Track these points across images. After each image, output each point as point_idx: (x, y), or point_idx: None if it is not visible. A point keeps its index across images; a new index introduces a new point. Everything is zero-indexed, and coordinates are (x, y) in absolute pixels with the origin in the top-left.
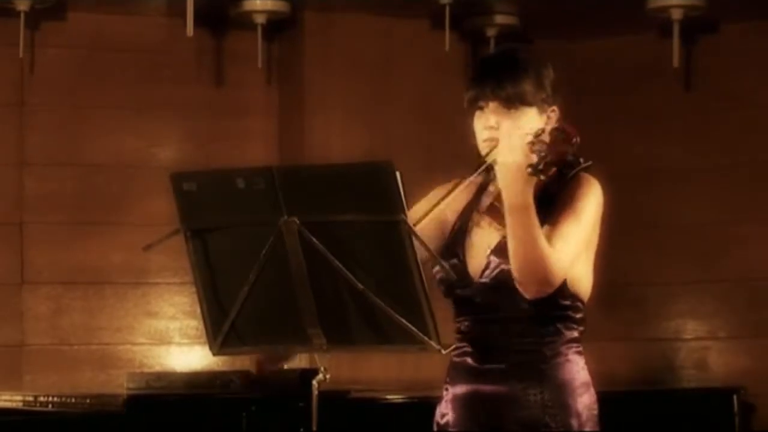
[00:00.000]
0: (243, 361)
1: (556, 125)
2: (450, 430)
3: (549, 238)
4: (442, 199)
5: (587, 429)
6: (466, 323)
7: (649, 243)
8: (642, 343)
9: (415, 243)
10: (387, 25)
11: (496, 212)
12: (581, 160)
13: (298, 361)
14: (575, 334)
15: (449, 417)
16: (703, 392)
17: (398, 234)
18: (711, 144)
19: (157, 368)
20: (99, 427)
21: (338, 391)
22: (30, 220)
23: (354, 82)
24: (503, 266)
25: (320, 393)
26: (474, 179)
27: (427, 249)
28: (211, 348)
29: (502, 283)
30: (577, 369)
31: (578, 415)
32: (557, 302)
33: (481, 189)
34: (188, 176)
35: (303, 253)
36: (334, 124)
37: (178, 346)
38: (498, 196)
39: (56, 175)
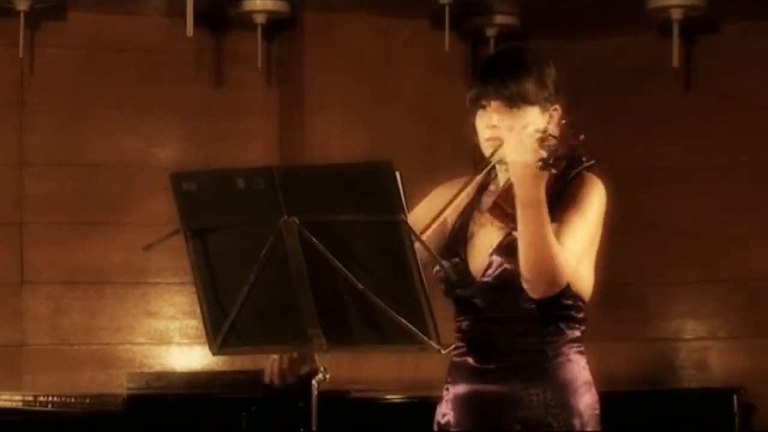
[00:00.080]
0: (243, 361)
1: (565, 120)
2: (451, 430)
3: (557, 236)
4: (449, 204)
5: (589, 429)
6: (467, 323)
7: (649, 243)
8: (642, 343)
9: (415, 243)
10: (387, 25)
11: (499, 211)
12: (584, 158)
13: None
14: (577, 333)
15: (450, 417)
16: (703, 392)
17: (398, 234)
18: (711, 144)
19: (157, 368)
20: (99, 427)
21: (338, 391)
22: (30, 220)
23: (354, 82)
24: (506, 265)
25: (320, 393)
26: (480, 179)
27: (427, 249)
28: (210, 348)
29: (505, 282)
30: (578, 369)
31: (580, 415)
32: (560, 302)
33: (482, 188)
34: (188, 176)
35: (303, 253)
36: (334, 124)
37: (178, 346)
38: (501, 195)
39: (56, 175)
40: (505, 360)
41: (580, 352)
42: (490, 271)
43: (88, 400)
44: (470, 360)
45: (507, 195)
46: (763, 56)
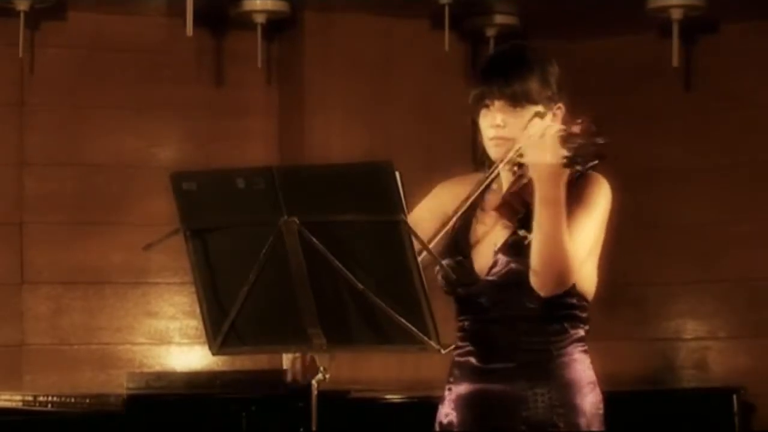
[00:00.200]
0: (243, 361)
1: (587, 117)
2: (454, 430)
3: None
4: (456, 210)
5: (594, 428)
6: (470, 322)
7: (649, 243)
8: (642, 343)
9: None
10: (387, 25)
11: (507, 210)
12: (578, 159)
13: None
14: (581, 333)
15: (453, 417)
16: (703, 392)
17: (398, 234)
18: (711, 144)
19: (157, 368)
20: (99, 427)
21: (338, 391)
22: (30, 220)
23: (354, 82)
24: (512, 265)
25: (320, 393)
26: (478, 177)
27: (427, 249)
28: (210, 348)
29: (511, 281)
30: (583, 368)
31: (585, 415)
32: (565, 301)
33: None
34: (188, 176)
35: (303, 253)
36: (334, 124)
37: (178, 346)
38: (511, 194)
39: (56, 175)
40: (509, 359)
41: (585, 352)
42: (495, 270)
43: (88, 400)
44: (473, 359)
45: (518, 194)
46: (763, 56)
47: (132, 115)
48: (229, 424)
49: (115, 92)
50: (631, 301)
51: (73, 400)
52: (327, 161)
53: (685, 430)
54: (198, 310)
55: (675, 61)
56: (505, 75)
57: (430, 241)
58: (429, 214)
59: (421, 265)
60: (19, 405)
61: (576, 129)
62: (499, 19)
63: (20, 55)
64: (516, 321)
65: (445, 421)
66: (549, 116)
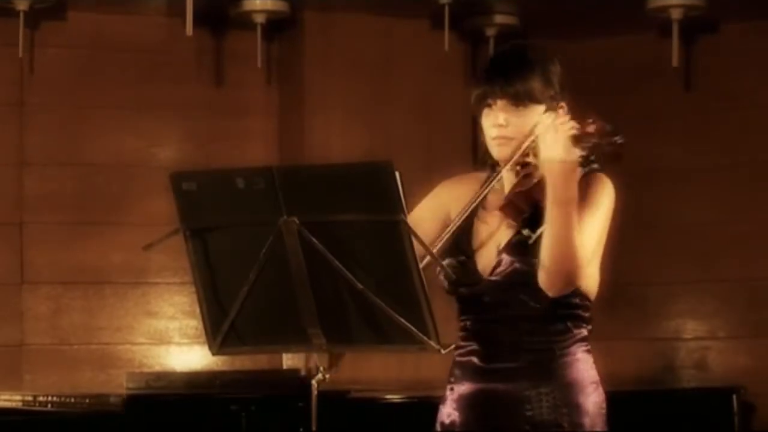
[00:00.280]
0: (243, 361)
1: (598, 119)
2: (457, 430)
3: None
4: (463, 211)
5: (598, 428)
6: (472, 322)
7: (649, 243)
8: (642, 342)
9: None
10: (387, 25)
11: (512, 210)
12: (592, 158)
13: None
14: (584, 332)
15: (456, 417)
16: (703, 392)
17: (398, 234)
18: (711, 144)
19: (157, 368)
20: (99, 427)
21: (338, 391)
22: (30, 220)
23: (354, 82)
24: (516, 265)
25: (320, 393)
26: (482, 176)
27: (427, 249)
28: (210, 348)
29: (515, 281)
30: (586, 368)
31: (589, 414)
32: (568, 300)
33: (486, 185)
34: (188, 176)
35: (303, 253)
36: (334, 124)
37: (177, 345)
38: (517, 194)
39: (56, 175)
40: (512, 359)
41: (588, 351)
42: (499, 270)
43: (87, 400)
44: (475, 359)
45: (524, 194)
46: (763, 56)
47: (132, 115)
48: (229, 424)
49: (115, 92)
50: (631, 301)
51: (73, 400)
52: (327, 161)
53: (684, 430)
54: (198, 310)
55: (675, 61)
56: (508, 74)
57: (433, 243)
58: (429, 213)
59: (421, 265)
60: (19, 405)
61: (590, 128)
62: (499, 19)
63: (20, 55)
64: (519, 321)
65: (447, 421)
66: (561, 115)
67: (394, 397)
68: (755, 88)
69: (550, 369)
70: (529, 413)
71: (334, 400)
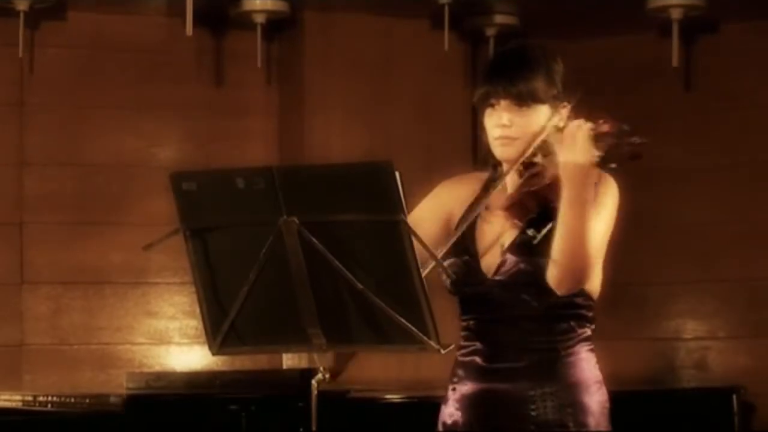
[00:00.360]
0: (243, 361)
1: (610, 118)
2: (459, 430)
3: None
4: (468, 218)
5: (602, 428)
6: (475, 321)
7: (649, 243)
8: (642, 342)
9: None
10: (387, 25)
11: (518, 210)
12: (610, 158)
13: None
14: (588, 332)
15: (458, 417)
16: (703, 392)
17: (398, 234)
18: (711, 144)
19: (157, 368)
20: (99, 427)
21: (338, 391)
22: (30, 220)
23: (354, 82)
24: (521, 265)
25: (320, 393)
26: (482, 176)
27: (427, 249)
28: (210, 348)
29: (519, 281)
30: (590, 367)
31: (594, 414)
32: (572, 300)
33: (487, 184)
34: (188, 176)
35: (303, 253)
36: (334, 124)
37: (177, 345)
38: (525, 194)
39: (56, 175)
40: (515, 359)
41: (591, 351)
42: (503, 269)
43: (87, 400)
44: (478, 359)
45: (533, 194)
46: (763, 56)
47: (132, 115)
48: (229, 424)
49: (115, 92)
50: (631, 301)
51: (72, 400)
52: (327, 161)
53: (684, 430)
54: (198, 310)
55: (675, 61)
56: (511, 74)
57: (439, 247)
58: (429, 214)
59: (426, 270)
60: (19, 405)
61: (604, 128)
62: (499, 19)
63: (20, 55)
64: (523, 320)
65: (449, 421)
66: (565, 115)
67: (394, 397)
68: (755, 88)
69: (554, 369)
70: (533, 413)
71: (334, 400)
